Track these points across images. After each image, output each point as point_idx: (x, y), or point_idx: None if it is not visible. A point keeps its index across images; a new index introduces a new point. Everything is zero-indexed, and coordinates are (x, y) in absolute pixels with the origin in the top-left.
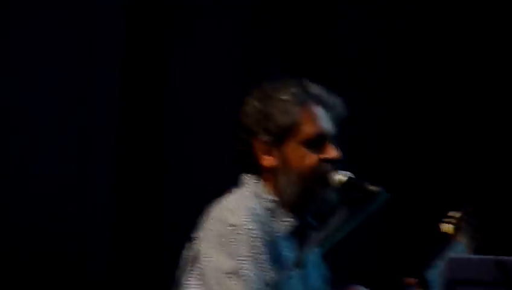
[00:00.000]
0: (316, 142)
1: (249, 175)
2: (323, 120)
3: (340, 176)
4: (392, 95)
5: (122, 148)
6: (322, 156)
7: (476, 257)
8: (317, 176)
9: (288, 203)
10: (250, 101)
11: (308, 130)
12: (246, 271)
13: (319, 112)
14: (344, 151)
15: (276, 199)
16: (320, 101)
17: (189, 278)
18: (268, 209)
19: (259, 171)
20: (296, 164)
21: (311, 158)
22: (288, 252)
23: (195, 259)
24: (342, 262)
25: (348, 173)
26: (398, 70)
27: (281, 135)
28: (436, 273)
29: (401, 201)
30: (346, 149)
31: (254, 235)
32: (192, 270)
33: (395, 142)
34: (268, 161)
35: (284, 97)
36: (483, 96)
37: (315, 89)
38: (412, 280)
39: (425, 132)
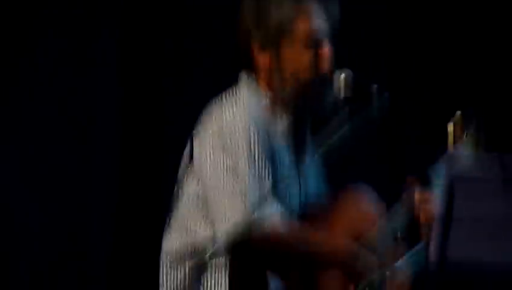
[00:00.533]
0: (312, 40)
1: (245, 73)
2: (317, 17)
3: (341, 74)
4: None
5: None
6: (317, 53)
7: (476, 153)
8: (312, 74)
9: (284, 101)
10: (246, 0)
11: (303, 27)
12: (243, 168)
13: (315, 9)
14: (341, 49)
15: (272, 96)
16: None
17: (187, 176)
18: (265, 106)
19: (255, 69)
20: (291, 62)
21: (305, 56)
22: (285, 150)
23: (192, 157)
24: (342, 163)
25: (348, 71)
26: None
27: (276, 33)
28: (437, 172)
29: (403, 102)
30: (343, 47)
31: (251, 133)
32: (189, 168)
33: (396, 40)
34: (264, 59)
35: None
36: None
37: None
38: (413, 179)
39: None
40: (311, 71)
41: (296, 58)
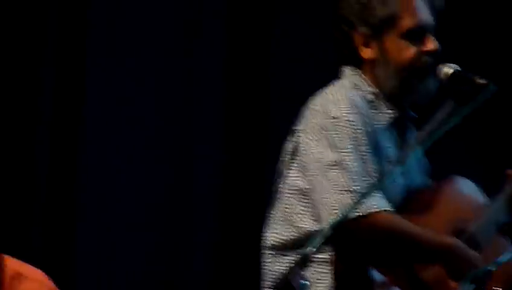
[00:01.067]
0: (416, 34)
1: (348, 67)
2: (422, 11)
3: (447, 68)
4: None
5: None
6: (422, 48)
7: None
8: (417, 68)
9: (388, 95)
10: None
11: (407, 21)
12: (348, 162)
13: (418, 3)
14: (445, 43)
15: (375, 90)
16: None
17: (289, 170)
18: (369, 100)
19: (358, 63)
20: (395, 56)
21: (410, 50)
22: (390, 143)
23: (295, 150)
24: (443, 155)
25: (454, 65)
26: None
27: (380, 27)
28: None
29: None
30: (446, 40)
31: (355, 127)
32: (292, 162)
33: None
34: (367, 52)
35: None
36: None
37: None
38: None
39: None
40: (416, 65)
41: (401, 53)
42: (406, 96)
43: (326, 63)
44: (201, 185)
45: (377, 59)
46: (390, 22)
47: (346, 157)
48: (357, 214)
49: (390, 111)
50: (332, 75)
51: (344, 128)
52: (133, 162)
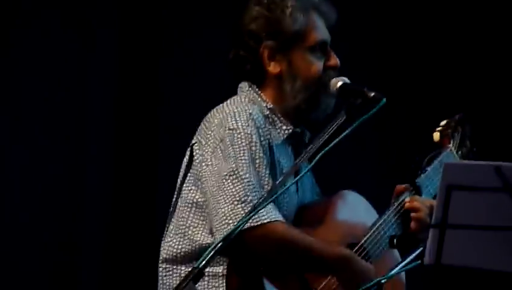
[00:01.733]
0: (320, 49)
1: (246, 83)
2: (323, 27)
3: (336, 81)
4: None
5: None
6: (326, 63)
7: (473, 162)
8: (323, 83)
9: (291, 110)
10: (253, 7)
11: (314, 37)
12: (244, 172)
13: (320, 20)
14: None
15: (271, 106)
16: (318, 9)
17: (185, 183)
18: (266, 116)
19: (261, 78)
20: (303, 71)
21: (317, 65)
22: (285, 159)
23: (190, 164)
24: (334, 169)
25: (343, 78)
26: None
27: (289, 41)
28: (425, 180)
29: (396, 110)
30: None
31: (252, 139)
32: (188, 175)
33: (389, 50)
34: (274, 67)
35: (291, 3)
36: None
37: None
38: (402, 187)
39: (420, 42)
40: (322, 80)
41: (309, 67)
42: (311, 111)
43: (222, 77)
44: (92, 203)
45: (285, 74)
46: (298, 36)
47: (241, 168)
48: (250, 224)
49: (285, 127)
50: (223, 93)
51: (240, 140)
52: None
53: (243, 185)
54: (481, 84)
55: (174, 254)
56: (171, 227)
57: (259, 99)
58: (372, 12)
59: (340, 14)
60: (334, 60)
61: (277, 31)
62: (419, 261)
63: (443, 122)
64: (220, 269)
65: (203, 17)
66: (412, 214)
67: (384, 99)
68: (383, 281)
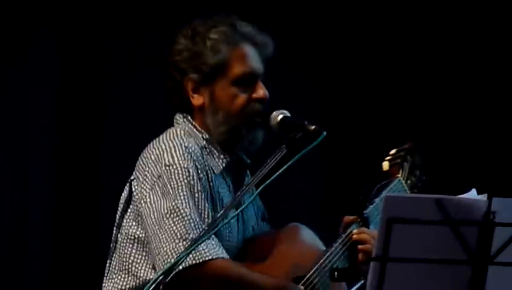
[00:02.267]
0: (246, 81)
1: (181, 114)
2: (253, 59)
3: (277, 115)
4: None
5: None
6: (252, 95)
7: (413, 195)
8: (246, 116)
9: (219, 141)
10: (180, 39)
11: (237, 69)
12: (183, 209)
13: (249, 51)
14: (276, 91)
15: (207, 136)
16: (250, 40)
17: (125, 219)
18: (203, 146)
19: (189, 110)
20: (225, 103)
21: (240, 97)
22: (225, 189)
23: (130, 199)
24: (281, 201)
25: (284, 112)
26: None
27: (211, 74)
28: (374, 211)
29: (343, 140)
30: (278, 88)
31: (190, 173)
32: (128, 210)
33: (334, 74)
34: (197, 99)
35: (214, 36)
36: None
37: (245, 27)
38: (350, 218)
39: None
40: (245, 113)
41: (231, 100)
42: (236, 143)
43: (158, 111)
44: (34, 235)
45: (207, 106)
46: (220, 69)
47: (180, 205)
48: (192, 262)
49: (223, 156)
50: (165, 123)
51: (178, 175)
52: None
53: (184, 222)
54: (431, 112)
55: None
56: (114, 263)
57: (194, 130)
58: (316, 38)
59: (282, 44)
60: (262, 92)
61: (199, 64)
62: None
63: (392, 151)
64: None
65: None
66: (359, 246)
67: (325, 133)
68: None
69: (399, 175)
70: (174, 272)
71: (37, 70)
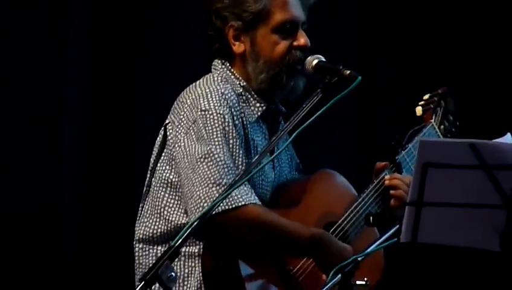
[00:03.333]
0: (287, 29)
1: (219, 61)
2: (294, 7)
3: (312, 59)
4: None
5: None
6: (293, 43)
7: (448, 140)
8: (287, 63)
9: (258, 90)
10: None
11: (278, 16)
12: (218, 154)
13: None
14: (316, 39)
15: (244, 84)
16: None
17: (159, 163)
18: (239, 94)
19: (230, 57)
20: (266, 51)
21: (281, 45)
22: (259, 136)
23: (164, 144)
24: (315, 145)
25: (319, 56)
26: None
27: (252, 21)
28: (406, 156)
29: (375, 85)
30: (318, 36)
31: (225, 120)
32: (162, 155)
33: (370, 24)
34: (239, 47)
35: None
36: None
37: None
38: (382, 164)
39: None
40: (284, 61)
41: (272, 47)
42: (275, 91)
43: (194, 57)
44: (69, 181)
45: (248, 53)
46: (262, 16)
47: (215, 150)
48: (225, 207)
49: (259, 104)
50: (201, 70)
51: (213, 121)
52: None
53: (218, 167)
54: (464, 59)
55: (150, 234)
56: (147, 207)
57: (232, 77)
58: None
59: None
60: (303, 40)
61: (241, 11)
62: (396, 239)
63: (425, 97)
64: (196, 249)
65: None
66: (392, 192)
67: (360, 78)
68: (359, 258)
69: (432, 120)
70: (207, 217)
71: (74, 18)
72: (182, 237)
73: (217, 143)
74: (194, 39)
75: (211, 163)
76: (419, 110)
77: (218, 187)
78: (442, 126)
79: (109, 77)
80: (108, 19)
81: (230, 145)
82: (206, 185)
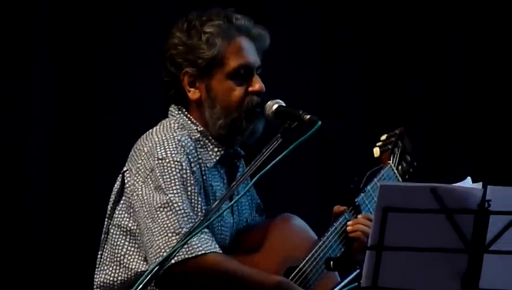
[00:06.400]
0: (242, 75)
1: (176, 107)
2: (248, 52)
3: (272, 104)
4: None
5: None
6: (248, 88)
7: (409, 184)
8: (243, 109)
9: (216, 135)
10: (175, 32)
11: (232, 62)
12: (176, 203)
13: (245, 44)
14: (274, 82)
15: (201, 129)
16: (245, 33)
17: (117, 210)
18: (197, 139)
19: (186, 102)
20: (222, 97)
21: (237, 91)
22: (218, 182)
23: (122, 191)
24: (274, 191)
25: (279, 101)
26: None
27: (206, 68)
28: (365, 198)
29: (335, 127)
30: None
31: (183, 167)
32: (119, 202)
33: (328, 64)
34: (194, 93)
35: (209, 30)
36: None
37: (241, 20)
38: (341, 209)
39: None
40: (242, 105)
41: (228, 93)
42: (234, 137)
43: (155, 98)
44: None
45: (204, 100)
46: (216, 62)
47: (173, 199)
48: (184, 256)
49: (217, 149)
50: (163, 109)
51: (171, 169)
52: None
53: (177, 216)
54: (423, 97)
55: (111, 282)
56: (106, 254)
57: (189, 122)
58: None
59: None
60: (258, 85)
61: (195, 58)
62: (357, 284)
63: (383, 137)
64: None
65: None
66: (351, 234)
67: (320, 122)
68: None
69: (390, 161)
70: (166, 266)
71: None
72: (142, 284)
73: (175, 191)
74: (153, 84)
75: (170, 212)
76: (376, 151)
77: (177, 236)
78: (400, 167)
79: (70, 124)
80: (70, 34)
81: (189, 193)
82: (165, 234)
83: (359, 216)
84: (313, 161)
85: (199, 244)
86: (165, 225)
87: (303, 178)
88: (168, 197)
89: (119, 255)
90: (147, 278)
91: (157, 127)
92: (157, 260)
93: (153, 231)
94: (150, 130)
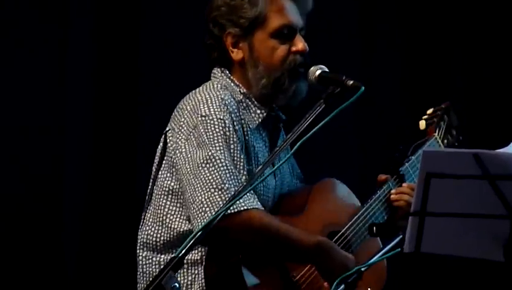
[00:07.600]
0: (285, 34)
1: (219, 69)
2: (290, 12)
3: (315, 70)
4: None
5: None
6: (292, 48)
7: (452, 149)
8: (286, 68)
9: (258, 96)
10: None
11: (275, 22)
12: (219, 159)
13: (287, 4)
14: (316, 44)
15: (244, 90)
16: None
17: (160, 171)
18: (239, 101)
19: (229, 64)
20: (265, 56)
21: (280, 50)
22: (260, 143)
23: (165, 151)
24: (317, 156)
25: (323, 67)
26: None
27: (249, 27)
28: (409, 168)
29: (381, 97)
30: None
31: (226, 125)
32: (162, 162)
33: (373, 35)
34: (237, 54)
35: None
36: None
37: None
38: (384, 177)
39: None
40: (284, 65)
41: (271, 52)
42: (277, 96)
43: (195, 66)
44: (70, 189)
45: (247, 60)
46: (259, 22)
47: (216, 155)
48: (228, 212)
49: (260, 111)
50: (203, 77)
51: (214, 126)
52: None
53: (219, 172)
54: (468, 73)
55: (153, 242)
56: (149, 215)
57: (232, 84)
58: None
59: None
60: (301, 45)
61: (238, 18)
62: (399, 249)
63: (429, 111)
64: (198, 257)
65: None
66: (395, 203)
67: (363, 88)
68: (362, 269)
69: (435, 134)
70: (210, 224)
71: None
72: (186, 247)
73: (218, 148)
74: (197, 42)
75: (213, 168)
76: (422, 124)
77: (220, 192)
78: (445, 140)
79: (111, 82)
80: (111, 22)
81: (232, 150)
82: (208, 189)
83: (404, 185)
84: (355, 128)
85: (242, 201)
86: (208, 181)
87: (345, 144)
88: (211, 153)
89: (161, 215)
90: (191, 242)
91: (200, 87)
92: (199, 215)
93: (196, 186)
94: (193, 90)
